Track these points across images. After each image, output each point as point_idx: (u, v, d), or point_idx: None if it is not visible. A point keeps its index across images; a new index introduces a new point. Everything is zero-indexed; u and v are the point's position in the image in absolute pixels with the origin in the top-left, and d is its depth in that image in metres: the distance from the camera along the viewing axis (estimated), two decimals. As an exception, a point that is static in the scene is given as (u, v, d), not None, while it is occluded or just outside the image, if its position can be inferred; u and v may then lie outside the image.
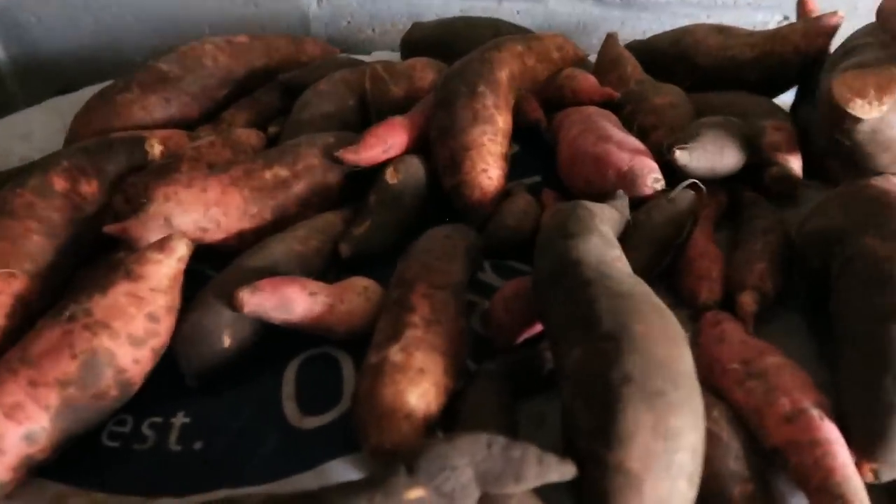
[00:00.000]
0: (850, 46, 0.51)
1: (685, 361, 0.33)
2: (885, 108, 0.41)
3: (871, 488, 0.33)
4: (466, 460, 0.31)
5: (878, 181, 0.44)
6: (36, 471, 0.39)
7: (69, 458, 0.40)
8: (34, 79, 1.11)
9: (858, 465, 0.33)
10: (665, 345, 0.33)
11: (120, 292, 0.40)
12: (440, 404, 0.37)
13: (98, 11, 1.00)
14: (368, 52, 0.83)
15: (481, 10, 0.83)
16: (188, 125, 0.65)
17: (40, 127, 0.73)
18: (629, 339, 0.32)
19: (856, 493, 0.31)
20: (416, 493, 0.30)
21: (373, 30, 0.91)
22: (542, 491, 0.33)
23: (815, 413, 0.34)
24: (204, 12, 0.96)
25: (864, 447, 0.33)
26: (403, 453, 0.32)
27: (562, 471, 0.32)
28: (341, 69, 0.67)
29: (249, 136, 0.61)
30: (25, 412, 0.37)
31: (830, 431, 0.33)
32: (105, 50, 1.04)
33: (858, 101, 0.41)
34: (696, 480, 0.31)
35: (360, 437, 0.37)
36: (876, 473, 0.33)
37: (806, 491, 0.33)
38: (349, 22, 0.91)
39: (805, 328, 0.44)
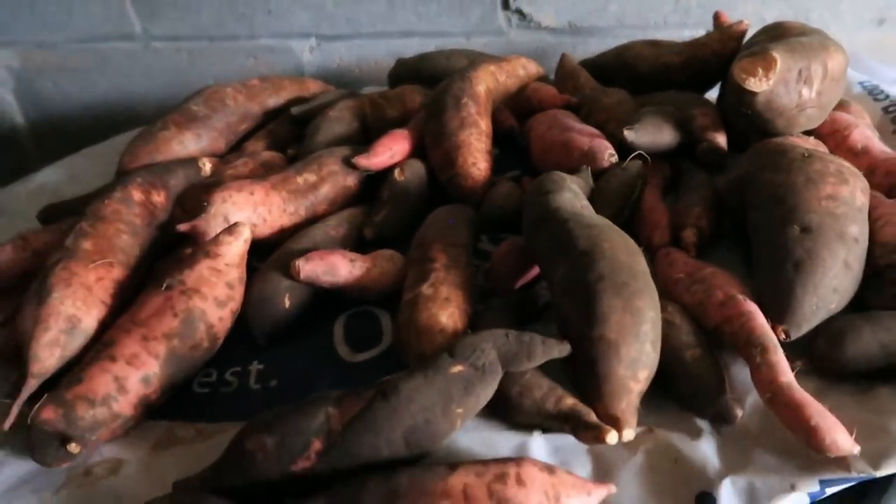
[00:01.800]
0: (750, 43, 0.65)
1: (642, 265, 0.45)
2: (771, 82, 0.54)
3: (785, 348, 0.44)
4: (491, 344, 0.42)
5: (776, 139, 0.58)
6: (147, 412, 0.49)
7: (170, 403, 0.50)
8: (50, 139, 1.21)
9: (773, 329, 0.44)
10: (626, 254, 0.45)
11: (204, 267, 0.51)
12: (464, 323, 0.49)
13: (111, 74, 1.12)
14: (358, 89, 0.96)
15: (452, 45, 0.95)
16: (216, 156, 0.77)
17: (83, 171, 0.84)
18: (599, 252, 0.44)
19: (770, 341, 0.43)
20: (456, 368, 0.41)
21: (359, 69, 1.04)
22: (543, 368, 0.44)
23: (741, 297, 0.46)
24: (208, 67, 1.09)
25: (776, 316, 0.45)
26: (443, 346, 0.43)
27: (560, 348, 0.43)
28: (343, 99, 0.80)
29: (274, 157, 0.73)
30: (141, 360, 0.47)
31: (750, 305, 0.45)
32: (117, 107, 1.15)
33: (751, 80, 0.54)
34: (658, 345, 0.43)
35: (404, 351, 0.48)
36: (787, 333, 0.45)
37: (738, 348, 0.44)
38: (338, 65, 1.04)
39: (731, 256, 0.56)
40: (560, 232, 0.47)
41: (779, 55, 0.54)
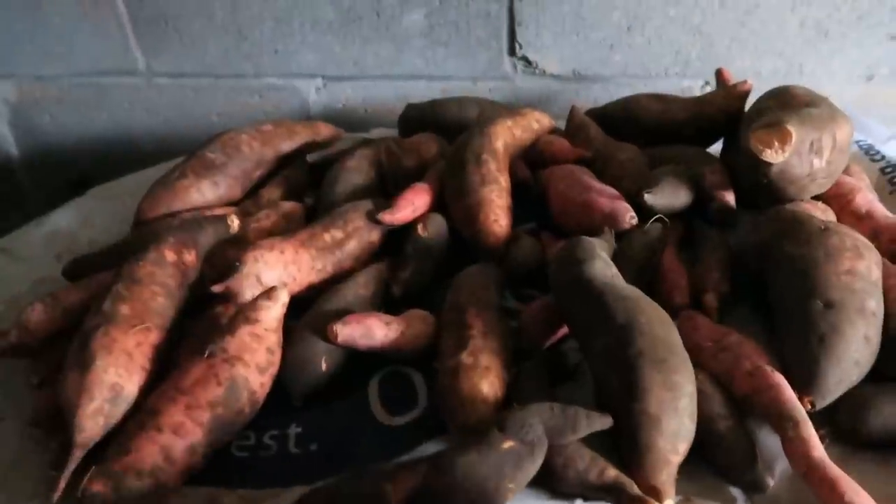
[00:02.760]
0: (758, 108, 0.68)
1: (676, 337, 0.47)
2: (786, 154, 0.57)
3: (809, 416, 0.47)
4: (538, 419, 0.44)
5: (790, 206, 0.61)
6: (189, 478, 0.49)
7: (210, 468, 0.50)
8: (46, 173, 1.20)
9: (800, 399, 0.47)
10: (662, 327, 0.47)
11: (244, 333, 0.52)
12: (503, 390, 0.50)
13: (111, 107, 1.12)
14: (365, 130, 0.97)
15: (459, 89, 0.98)
16: (233, 203, 0.78)
17: (95, 213, 0.84)
18: (637, 326, 0.47)
19: (801, 414, 0.45)
20: (508, 444, 0.43)
21: (366, 110, 1.05)
22: (586, 440, 0.46)
23: (769, 368, 0.49)
24: (211, 103, 1.09)
25: (803, 387, 0.48)
26: (492, 421, 0.45)
27: (602, 421, 0.45)
28: (359, 147, 0.81)
29: (294, 208, 0.74)
30: (186, 429, 0.48)
31: (779, 378, 0.48)
32: (117, 143, 1.15)
33: (768, 151, 0.57)
34: (695, 417, 0.45)
35: (448, 419, 0.49)
36: (812, 404, 0.47)
37: (768, 419, 0.47)
38: (344, 105, 1.06)
39: (752, 316, 0.59)
40: (597, 304, 0.49)
41: (794, 129, 0.57)
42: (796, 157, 0.59)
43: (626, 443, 0.45)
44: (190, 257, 0.60)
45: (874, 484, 0.45)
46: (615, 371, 0.46)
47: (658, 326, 0.47)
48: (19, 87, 1.12)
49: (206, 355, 0.51)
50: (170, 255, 0.59)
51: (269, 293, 0.54)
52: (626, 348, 0.46)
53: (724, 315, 0.59)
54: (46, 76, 1.11)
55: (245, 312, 0.53)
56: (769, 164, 0.58)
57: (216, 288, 0.57)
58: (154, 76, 1.08)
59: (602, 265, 0.53)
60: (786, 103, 0.65)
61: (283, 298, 0.54)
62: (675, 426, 0.44)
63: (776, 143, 0.58)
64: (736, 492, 0.46)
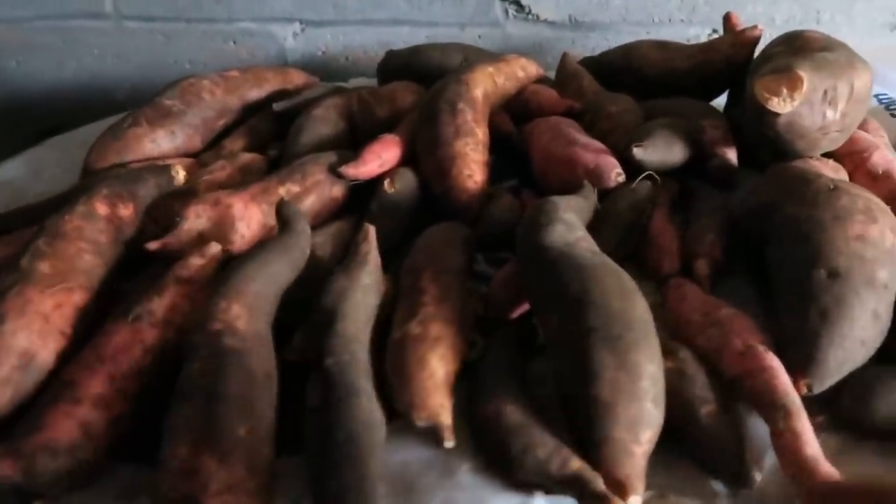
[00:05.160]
0: (767, 54, 0.61)
1: (638, 310, 0.41)
2: (795, 103, 0.50)
3: (806, 400, 0.41)
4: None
5: (797, 163, 0.54)
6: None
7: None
8: (14, 121, 1.14)
9: (795, 383, 0.41)
10: (620, 299, 0.41)
11: (174, 294, 0.47)
12: (457, 364, 0.45)
13: (80, 54, 1.05)
14: (344, 80, 0.90)
15: (445, 36, 0.91)
16: (192, 154, 0.72)
17: (47, 165, 0.78)
18: (590, 299, 0.40)
19: (794, 403, 0.39)
20: None
21: (346, 58, 0.98)
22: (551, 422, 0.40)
23: (762, 348, 0.43)
24: (184, 49, 1.02)
25: (799, 368, 0.41)
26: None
27: None
28: (329, 96, 0.75)
29: (254, 160, 0.68)
30: (108, 401, 0.43)
31: (773, 360, 0.42)
32: (87, 90, 1.09)
33: (775, 100, 0.51)
34: (661, 401, 0.39)
35: (394, 399, 0.44)
36: (809, 387, 0.41)
37: (758, 407, 0.41)
38: (324, 52, 0.99)
39: (748, 287, 0.53)
40: (550, 275, 0.43)
41: (805, 74, 0.50)
42: (807, 107, 0.52)
43: (582, 434, 0.39)
44: (126, 211, 0.55)
45: (873, 477, 0.40)
46: (566, 351, 0.40)
47: (616, 299, 0.40)
48: (-17, 30, 1.06)
49: (130, 319, 0.45)
50: (101, 209, 0.53)
51: (201, 250, 0.49)
52: (577, 324, 0.40)
53: (718, 285, 0.52)
54: (11, 18, 1.04)
55: (174, 271, 0.48)
56: (776, 115, 0.51)
57: (151, 245, 0.52)
58: (123, 19, 1.01)
59: (563, 230, 0.47)
60: (799, 48, 0.58)
61: (216, 256, 0.49)
62: (634, 412, 0.38)
63: (785, 91, 0.51)
64: (718, 486, 0.40)
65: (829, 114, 0.53)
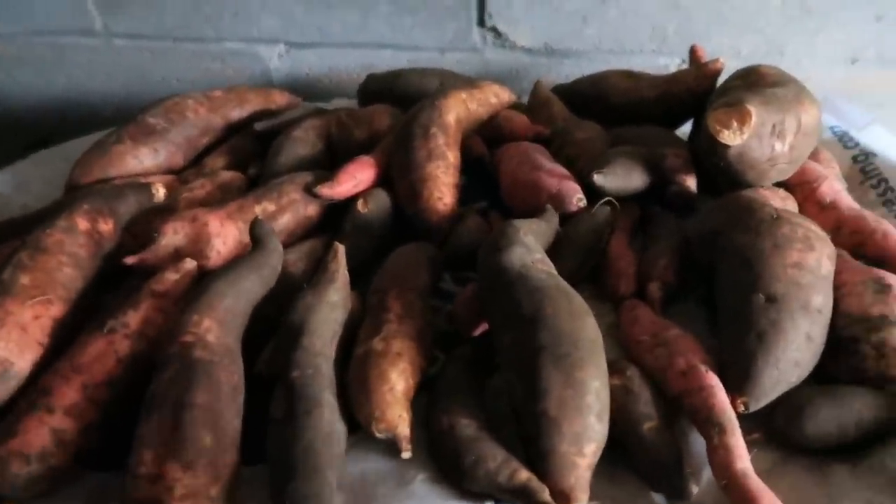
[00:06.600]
0: (725, 87, 0.64)
1: (587, 330, 0.43)
2: (745, 136, 0.53)
3: (744, 418, 0.44)
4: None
5: (747, 192, 0.57)
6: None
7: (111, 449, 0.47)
8: (4, 134, 1.16)
9: (733, 401, 0.44)
10: (570, 320, 0.43)
11: (148, 307, 0.49)
12: (417, 378, 0.47)
13: (71, 69, 1.07)
14: (328, 100, 0.93)
15: (426, 60, 0.94)
16: (175, 171, 0.74)
17: (32, 179, 0.80)
18: (541, 319, 0.43)
19: (729, 420, 0.42)
20: None
21: (330, 80, 1.01)
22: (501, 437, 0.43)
23: (703, 368, 0.45)
24: (172, 67, 1.04)
25: (737, 387, 0.44)
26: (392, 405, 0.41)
27: None
28: (309, 117, 0.77)
29: (233, 178, 0.70)
30: (80, 410, 0.45)
31: (712, 379, 0.44)
32: (75, 105, 1.11)
33: (726, 132, 0.53)
34: (605, 415, 0.42)
35: (354, 410, 0.46)
36: (746, 406, 0.44)
37: (696, 423, 0.43)
38: (308, 73, 1.01)
39: (697, 311, 0.55)
40: (506, 296, 0.46)
41: (754, 108, 0.53)
42: (756, 139, 0.55)
43: (531, 446, 0.41)
44: (106, 226, 0.57)
45: (808, 491, 0.43)
46: (517, 369, 0.43)
47: (566, 319, 0.43)
48: (-24, 44, 1.08)
49: (105, 330, 0.47)
50: (82, 224, 0.55)
51: (176, 265, 0.51)
52: (528, 343, 0.42)
53: (672, 307, 0.55)
54: (4, 33, 1.06)
55: (150, 285, 0.50)
56: (727, 147, 0.54)
57: (129, 260, 0.54)
58: (112, 37, 1.03)
59: (521, 252, 0.49)
60: (753, 83, 0.61)
61: (190, 271, 0.51)
62: (578, 427, 0.40)
63: (735, 124, 0.54)
64: (659, 498, 0.43)
65: (778, 146, 0.55)
